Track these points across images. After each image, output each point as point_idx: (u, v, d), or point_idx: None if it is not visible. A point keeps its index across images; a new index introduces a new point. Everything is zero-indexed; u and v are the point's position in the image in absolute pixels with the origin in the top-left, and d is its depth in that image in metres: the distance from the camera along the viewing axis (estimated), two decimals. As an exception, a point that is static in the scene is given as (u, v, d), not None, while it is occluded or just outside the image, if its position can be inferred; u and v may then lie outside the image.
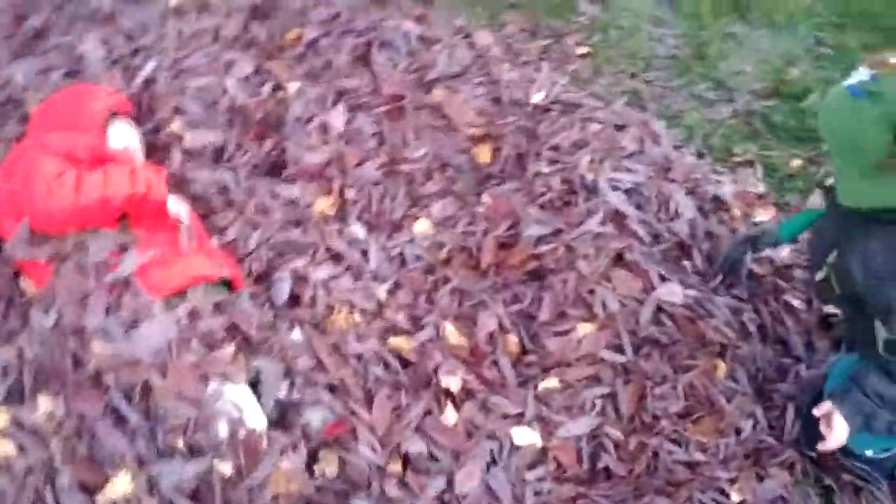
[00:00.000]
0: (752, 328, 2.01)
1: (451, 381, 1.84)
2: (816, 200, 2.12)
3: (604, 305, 1.97)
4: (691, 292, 2.00)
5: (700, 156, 2.60)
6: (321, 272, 1.99)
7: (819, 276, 1.66)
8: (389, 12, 2.64)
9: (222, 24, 2.51)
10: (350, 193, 2.20)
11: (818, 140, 2.77)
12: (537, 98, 2.39)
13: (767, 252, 2.13)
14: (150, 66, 2.31)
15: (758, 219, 2.34)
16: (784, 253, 2.19)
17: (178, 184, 2.09)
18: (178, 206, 1.92)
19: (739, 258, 2.07)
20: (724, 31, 3.23)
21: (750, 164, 2.65)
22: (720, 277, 2.08)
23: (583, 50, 3.00)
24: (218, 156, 2.21)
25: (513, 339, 1.97)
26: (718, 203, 2.31)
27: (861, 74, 1.35)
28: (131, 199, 1.78)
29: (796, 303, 2.08)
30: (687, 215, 2.18)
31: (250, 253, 2.03)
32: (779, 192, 2.56)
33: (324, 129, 2.29)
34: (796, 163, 2.69)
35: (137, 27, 2.45)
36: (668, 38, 3.17)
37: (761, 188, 2.53)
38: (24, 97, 2.21)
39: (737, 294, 2.06)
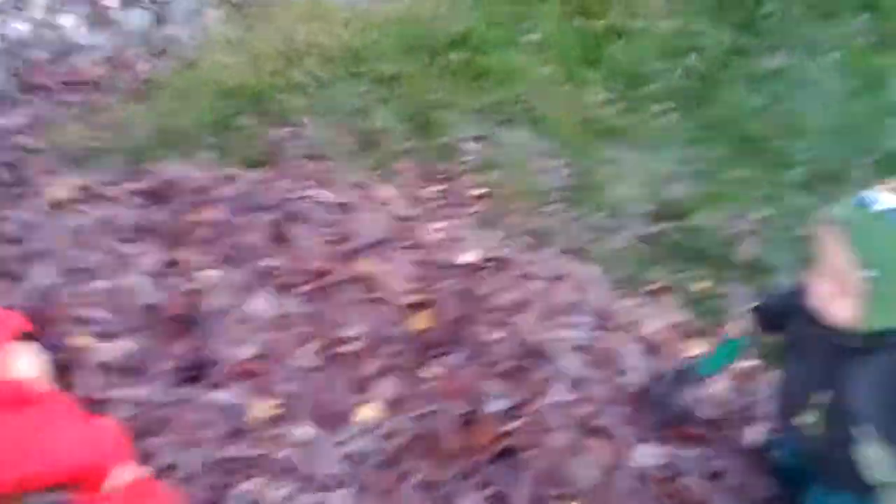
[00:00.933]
0: (723, 477, 1.93)
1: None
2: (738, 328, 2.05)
3: (583, 479, 1.84)
4: (662, 450, 1.91)
5: (620, 289, 2.56)
6: (278, 491, 1.75)
7: (805, 419, 1.58)
8: (296, 181, 2.46)
9: (116, 214, 2.25)
10: (289, 388, 1.97)
11: (717, 258, 2.84)
12: (468, 257, 2.28)
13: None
14: (43, 273, 2.01)
15: (690, 352, 2.31)
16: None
17: (95, 406, 1.80)
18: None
19: (666, 400, 2.01)
20: (602, 157, 3.27)
21: (666, 290, 2.64)
22: (657, 422, 2.01)
23: (479, 191, 2.94)
24: (135, 367, 1.93)
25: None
26: (656, 343, 2.25)
27: (887, 199, 1.31)
28: None
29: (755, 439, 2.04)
30: (637, 365, 2.11)
31: (191, 478, 1.75)
32: (697, 317, 2.56)
33: (249, 318, 2.07)
34: (704, 284, 2.71)
35: (20, 229, 2.14)
36: (554, 168, 3.16)
37: (683, 316, 2.51)
38: None
39: (701, 438, 1.99)
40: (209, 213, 2.28)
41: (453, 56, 3.63)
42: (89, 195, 2.33)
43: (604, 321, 2.21)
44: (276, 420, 1.92)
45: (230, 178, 2.45)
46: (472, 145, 3.17)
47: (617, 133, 3.40)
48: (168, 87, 3.06)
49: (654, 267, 2.77)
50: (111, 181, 2.45)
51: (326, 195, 2.43)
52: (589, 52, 3.91)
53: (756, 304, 1.92)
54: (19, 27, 3.23)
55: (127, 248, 2.15)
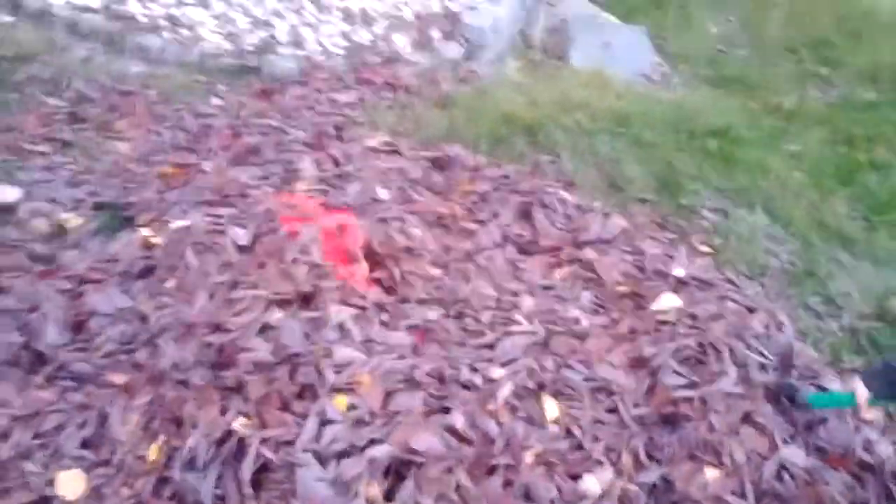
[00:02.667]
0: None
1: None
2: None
3: (731, 456, 2.21)
4: (812, 460, 2.24)
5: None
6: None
7: None
8: (547, 181, 3.09)
9: (408, 168, 2.99)
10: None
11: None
12: (678, 272, 2.75)
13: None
14: (352, 189, 2.78)
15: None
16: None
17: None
18: None
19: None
20: (830, 256, 3.61)
21: (852, 371, 2.93)
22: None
23: (706, 249, 3.38)
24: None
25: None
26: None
27: None
28: None
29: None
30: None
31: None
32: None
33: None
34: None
35: (342, 156, 2.94)
36: (780, 252, 3.54)
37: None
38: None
39: (850, 471, 2.28)
40: (476, 186, 2.96)
41: (709, 141, 4.15)
42: (392, 150, 3.10)
43: (785, 356, 2.56)
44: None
45: (497, 166, 3.12)
46: (708, 213, 3.63)
47: (849, 241, 3.72)
48: (461, 103, 3.83)
49: (852, 354, 3.06)
50: (409, 146, 3.21)
51: (569, 198, 3.02)
52: (842, 172, 4.27)
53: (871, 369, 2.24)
54: (363, 36, 4.21)
55: (410, 193, 2.87)
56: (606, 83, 4.50)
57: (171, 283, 2.36)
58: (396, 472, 1.94)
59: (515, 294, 2.58)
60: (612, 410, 2.34)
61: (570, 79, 4.46)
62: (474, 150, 3.40)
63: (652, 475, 2.19)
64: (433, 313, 2.43)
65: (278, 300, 2.24)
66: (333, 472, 1.87)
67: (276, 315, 2.19)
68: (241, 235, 2.48)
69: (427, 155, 3.13)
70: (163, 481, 1.94)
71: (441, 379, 2.23)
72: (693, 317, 2.60)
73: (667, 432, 2.30)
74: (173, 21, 4.08)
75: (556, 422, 2.25)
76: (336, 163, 2.96)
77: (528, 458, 2.13)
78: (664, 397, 2.35)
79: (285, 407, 2.01)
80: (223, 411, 2.01)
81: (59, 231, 2.69)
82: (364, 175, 2.88)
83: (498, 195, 2.96)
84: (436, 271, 2.61)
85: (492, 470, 2.08)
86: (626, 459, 2.22)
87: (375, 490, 1.87)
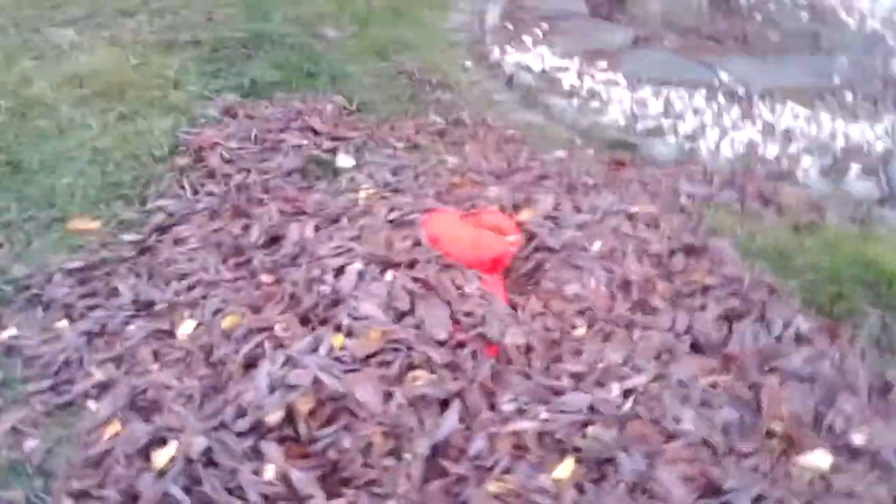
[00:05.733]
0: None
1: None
2: None
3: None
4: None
5: None
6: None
7: None
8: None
9: (650, 239, 2.97)
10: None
11: None
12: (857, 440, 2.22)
13: None
14: (562, 232, 2.94)
15: None
16: None
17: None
18: None
19: None
20: None
21: None
22: None
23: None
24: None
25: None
26: None
27: None
28: None
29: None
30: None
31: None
32: None
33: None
34: None
35: (588, 207, 3.10)
36: None
37: None
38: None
39: None
40: (709, 279, 2.78)
41: None
42: (649, 223, 3.10)
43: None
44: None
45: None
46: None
47: None
48: (825, 237, 3.43)
49: None
50: (673, 228, 3.13)
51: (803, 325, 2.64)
52: None
53: None
54: (769, 150, 4.09)
55: (626, 253, 2.86)
56: None
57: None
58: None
59: (640, 371, 2.38)
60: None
61: None
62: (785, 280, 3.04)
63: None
64: (527, 340, 2.41)
65: (367, 256, 2.61)
66: (282, 373, 2.12)
67: (355, 266, 2.53)
68: (392, 212, 2.95)
69: (683, 239, 2.99)
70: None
71: (461, 377, 2.27)
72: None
73: None
74: (591, 93, 4.52)
75: (557, 480, 2.08)
76: (577, 210, 3.05)
77: (492, 487, 2.04)
78: None
79: (305, 323, 2.34)
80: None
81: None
82: (590, 224, 2.96)
83: (721, 293, 2.71)
84: (579, 320, 2.56)
85: (443, 473, 2.06)
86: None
87: (306, 407, 2.05)
